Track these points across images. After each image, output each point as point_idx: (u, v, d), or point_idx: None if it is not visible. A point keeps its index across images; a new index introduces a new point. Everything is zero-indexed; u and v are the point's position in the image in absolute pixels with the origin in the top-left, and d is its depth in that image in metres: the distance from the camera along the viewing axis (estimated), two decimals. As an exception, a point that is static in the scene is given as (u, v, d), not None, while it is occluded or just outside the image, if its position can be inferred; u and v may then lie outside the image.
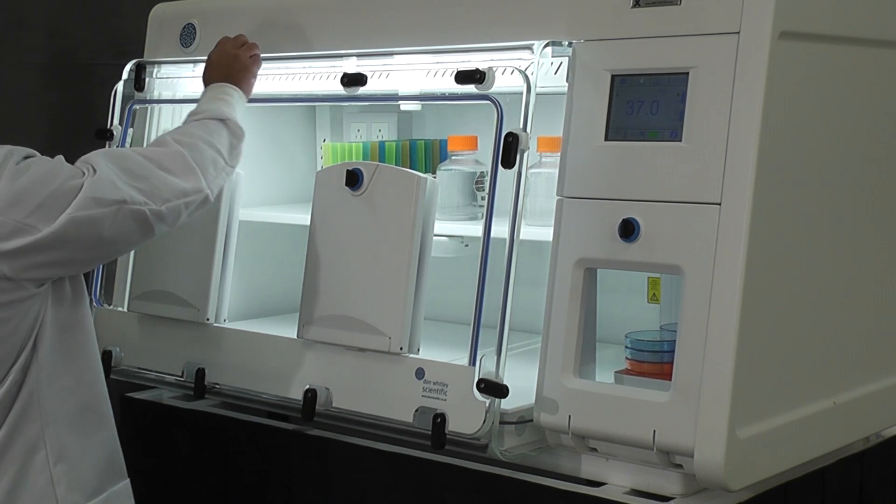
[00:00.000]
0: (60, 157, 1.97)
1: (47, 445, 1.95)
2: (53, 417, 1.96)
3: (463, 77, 2.07)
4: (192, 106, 2.67)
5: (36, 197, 1.88)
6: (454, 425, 2.01)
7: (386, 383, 2.13)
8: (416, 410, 2.06)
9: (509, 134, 1.99)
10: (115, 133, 2.59)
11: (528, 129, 1.99)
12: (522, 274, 2.00)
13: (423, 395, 2.07)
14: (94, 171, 1.95)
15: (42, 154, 1.96)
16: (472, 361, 2.01)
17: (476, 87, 2.07)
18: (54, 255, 1.90)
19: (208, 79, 2.35)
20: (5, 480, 1.93)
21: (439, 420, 2.02)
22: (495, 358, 1.98)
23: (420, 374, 2.08)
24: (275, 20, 2.50)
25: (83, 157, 1.99)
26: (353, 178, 2.19)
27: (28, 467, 1.94)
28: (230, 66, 2.34)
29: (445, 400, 2.04)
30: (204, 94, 2.32)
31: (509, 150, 1.98)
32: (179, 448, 2.20)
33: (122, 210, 1.95)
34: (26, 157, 1.94)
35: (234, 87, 2.32)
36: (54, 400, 1.96)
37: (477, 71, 2.06)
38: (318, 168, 2.75)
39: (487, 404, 1.98)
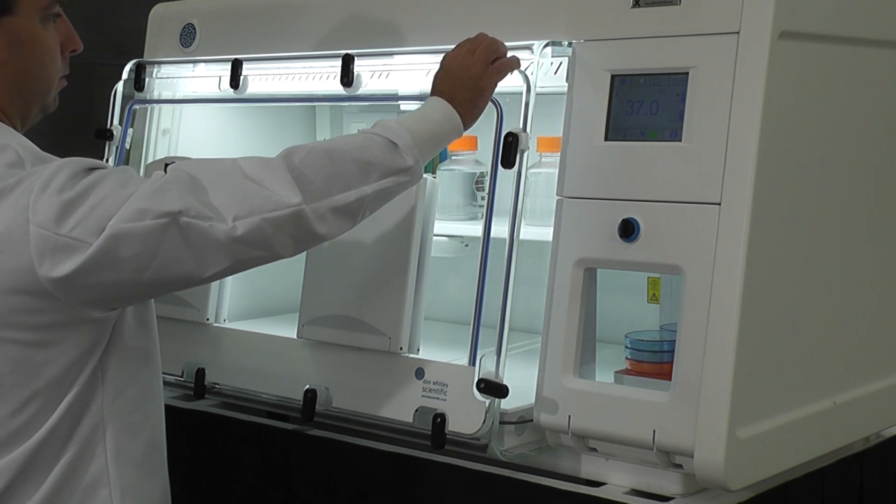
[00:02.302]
0: (126, 167, 1.75)
1: (111, 483, 1.81)
2: (121, 454, 1.82)
3: None
4: (192, 106, 2.69)
5: (81, 209, 1.66)
6: (454, 425, 2.01)
7: (386, 383, 2.13)
8: (416, 410, 2.06)
9: (509, 134, 1.99)
10: (115, 133, 2.59)
11: (528, 129, 1.99)
12: (522, 274, 2.00)
13: (422, 395, 2.07)
14: (161, 177, 1.71)
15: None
16: (472, 361, 2.01)
17: (476, 87, 2.07)
18: (106, 277, 1.68)
19: (436, 86, 1.97)
20: None
21: (439, 420, 2.02)
22: (495, 358, 1.98)
23: (420, 374, 2.08)
24: (274, 20, 2.50)
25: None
26: (353, 178, 2.19)
27: None
28: (462, 83, 1.94)
29: (445, 400, 2.04)
30: (423, 104, 1.95)
31: (509, 150, 1.98)
32: (179, 448, 2.19)
33: (176, 224, 1.66)
34: (91, 169, 1.72)
35: (454, 111, 1.92)
36: (123, 436, 1.82)
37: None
38: (318, 168, 2.75)
39: (487, 404, 1.98)
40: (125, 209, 1.66)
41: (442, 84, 1.95)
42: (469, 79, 1.95)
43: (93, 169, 1.73)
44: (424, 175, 2.16)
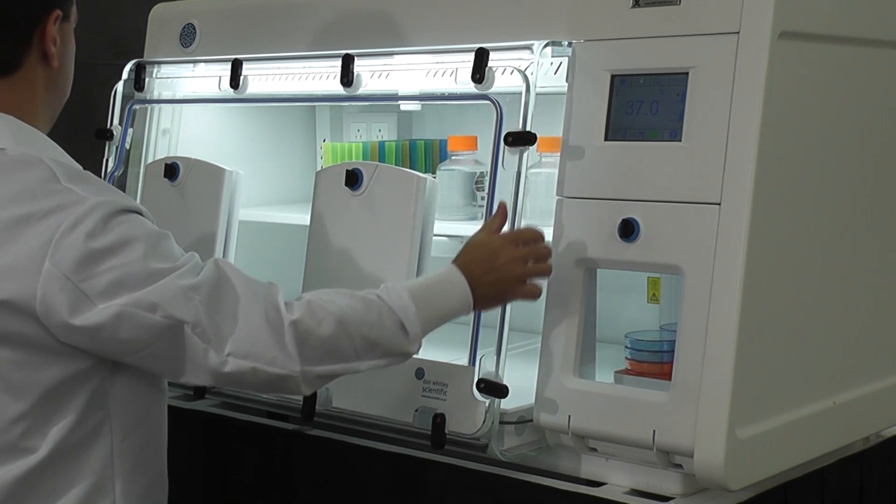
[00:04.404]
0: (165, 233, 1.76)
1: None
2: (128, 492, 1.80)
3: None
4: (192, 106, 2.69)
5: (101, 265, 1.67)
6: (454, 425, 2.01)
7: (386, 383, 2.13)
8: (416, 410, 2.06)
9: (509, 134, 1.98)
10: (115, 133, 2.60)
11: (528, 129, 1.99)
12: (522, 274, 2.00)
13: (422, 395, 2.07)
14: (194, 274, 1.72)
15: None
16: (472, 361, 2.01)
17: (476, 87, 2.07)
18: (98, 343, 1.70)
19: (459, 257, 1.90)
20: None
21: (439, 420, 2.02)
22: (495, 358, 1.98)
23: (420, 374, 2.08)
24: (274, 20, 2.50)
25: (215, 258, 1.79)
26: (353, 178, 2.19)
27: None
28: (487, 267, 1.88)
29: (445, 400, 2.04)
30: (440, 272, 1.88)
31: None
32: (179, 448, 2.19)
33: (178, 330, 1.69)
34: (125, 211, 1.72)
35: (471, 299, 1.86)
36: (133, 472, 1.81)
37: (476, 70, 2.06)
38: (318, 168, 2.75)
39: (487, 404, 1.98)
40: (143, 295, 1.67)
41: (474, 265, 1.88)
42: (493, 252, 1.90)
43: (126, 211, 1.72)
44: (424, 175, 2.16)
